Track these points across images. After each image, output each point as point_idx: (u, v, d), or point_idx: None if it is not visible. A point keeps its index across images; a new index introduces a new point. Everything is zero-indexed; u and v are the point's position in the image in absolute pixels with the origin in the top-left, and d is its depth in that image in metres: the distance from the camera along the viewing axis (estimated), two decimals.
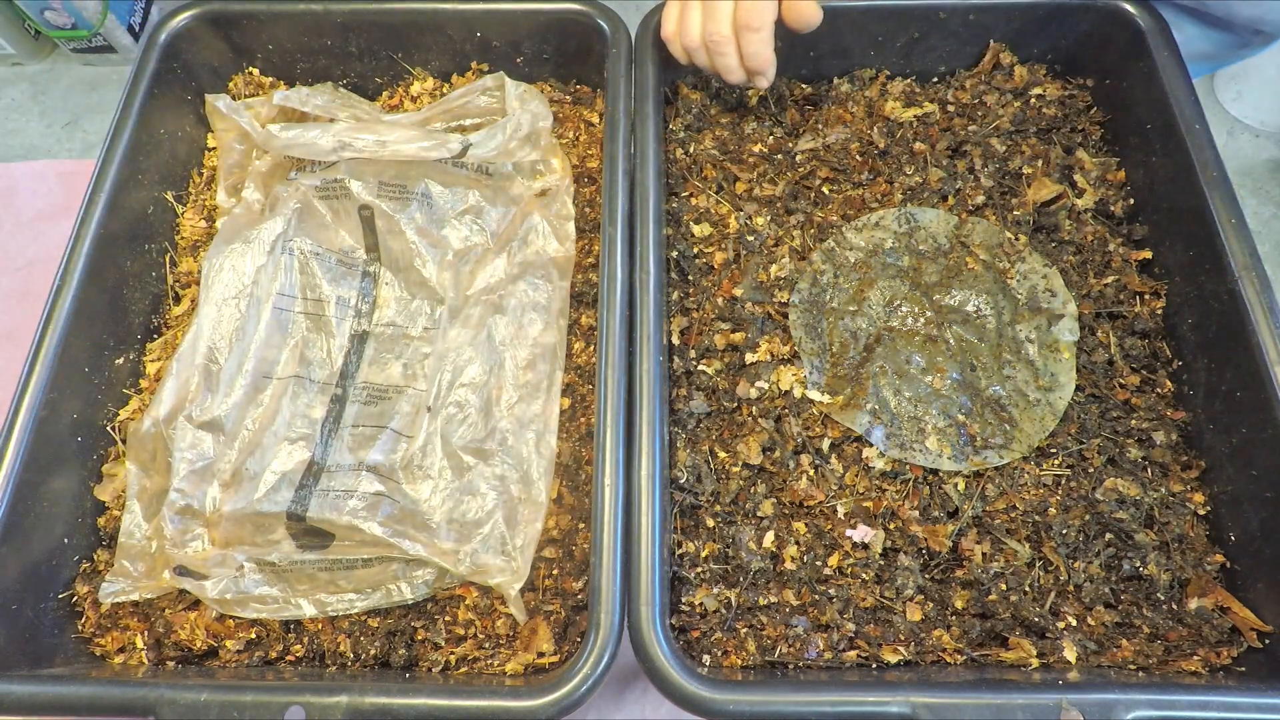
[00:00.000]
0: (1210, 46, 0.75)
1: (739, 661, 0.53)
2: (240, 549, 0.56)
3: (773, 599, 0.55)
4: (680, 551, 0.57)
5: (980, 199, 0.67)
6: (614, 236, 0.61)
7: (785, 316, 0.64)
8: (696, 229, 0.68)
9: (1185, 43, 0.72)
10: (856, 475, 0.58)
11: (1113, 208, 0.67)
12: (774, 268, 0.65)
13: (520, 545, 0.56)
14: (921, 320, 0.63)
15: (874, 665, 0.53)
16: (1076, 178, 0.68)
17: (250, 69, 0.76)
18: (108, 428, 0.62)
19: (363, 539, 0.56)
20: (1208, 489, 0.59)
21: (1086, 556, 0.56)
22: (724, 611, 0.55)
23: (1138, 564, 0.55)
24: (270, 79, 0.77)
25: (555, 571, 0.57)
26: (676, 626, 0.54)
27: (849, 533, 0.56)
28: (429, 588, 0.56)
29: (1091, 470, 0.58)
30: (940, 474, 0.58)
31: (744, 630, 0.54)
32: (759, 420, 0.60)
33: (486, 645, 0.55)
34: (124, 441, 0.61)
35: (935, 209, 0.67)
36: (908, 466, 0.58)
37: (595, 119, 0.75)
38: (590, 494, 0.57)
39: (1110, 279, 0.65)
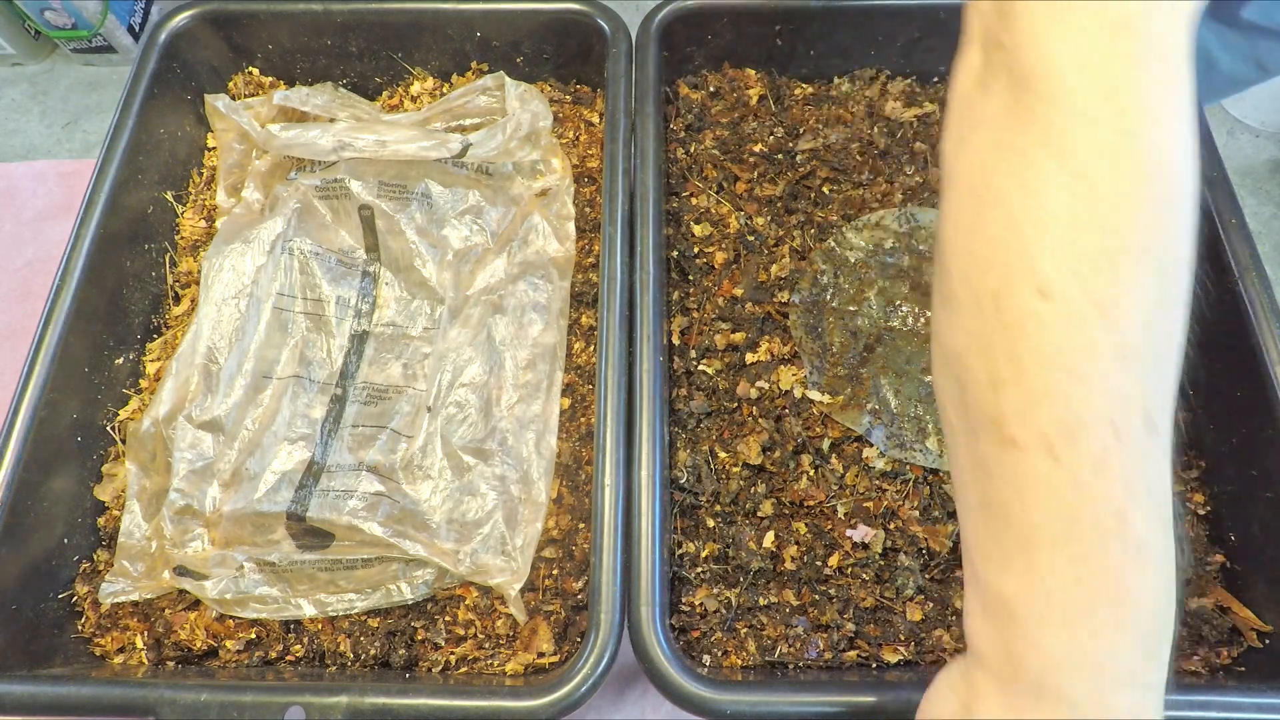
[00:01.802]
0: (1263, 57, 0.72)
1: (739, 661, 0.53)
2: (240, 549, 0.56)
3: (773, 599, 0.55)
4: (680, 551, 0.57)
5: None
6: (614, 236, 0.61)
7: (785, 316, 0.64)
8: (697, 229, 0.68)
9: (1231, 61, 0.69)
10: (857, 475, 0.58)
11: None
12: (774, 268, 0.65)
13: (520, 545, 0.56)
14: (922, 320, 0.63)
15: (874, 665, 0.53)
16: None
17: (250, 69, 0.76)
18: (108, 428, 0.62)
19: (363, 539, 0.56)
20: (1208, 489, 0.59)
21: None
22: (724, 611, 0.55)
23: None
24: (270, 79, 0.77)
25: (555, 571, 0.57)
26: (676, 626, 0.54)
27: (849, 533, 0.56)
28: (429, 588, 0.56)
29: None
30: (940, 474, 0.58)
31: (744, 630, 0.54)
32: (759, 420, 0.60)
33: (486, 645, 0.55)
34: (124, 441, 0.61)
35: (936, 209, 0.67)
36: (908, 466, 0.58)
37: (595, 119, 0.75)
38: (590, 494, 0.57)
39: None
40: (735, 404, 0.61)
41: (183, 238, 0.71)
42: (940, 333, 0.34)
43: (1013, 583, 0.31)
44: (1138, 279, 0.29)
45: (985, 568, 0.33)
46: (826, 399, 0.60)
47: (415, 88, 0.77)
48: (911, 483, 0.58)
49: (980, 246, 0.31)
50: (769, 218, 0.68)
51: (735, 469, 0.59)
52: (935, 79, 0.75)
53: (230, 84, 0.76)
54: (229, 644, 0.55)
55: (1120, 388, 0.29)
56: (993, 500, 0.32)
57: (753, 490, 0.58)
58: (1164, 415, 0.31)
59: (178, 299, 0.69)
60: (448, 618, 0.56)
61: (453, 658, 0.55)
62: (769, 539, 0.56)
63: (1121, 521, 0.30)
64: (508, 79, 0.69)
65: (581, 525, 0.58)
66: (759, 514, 0.57)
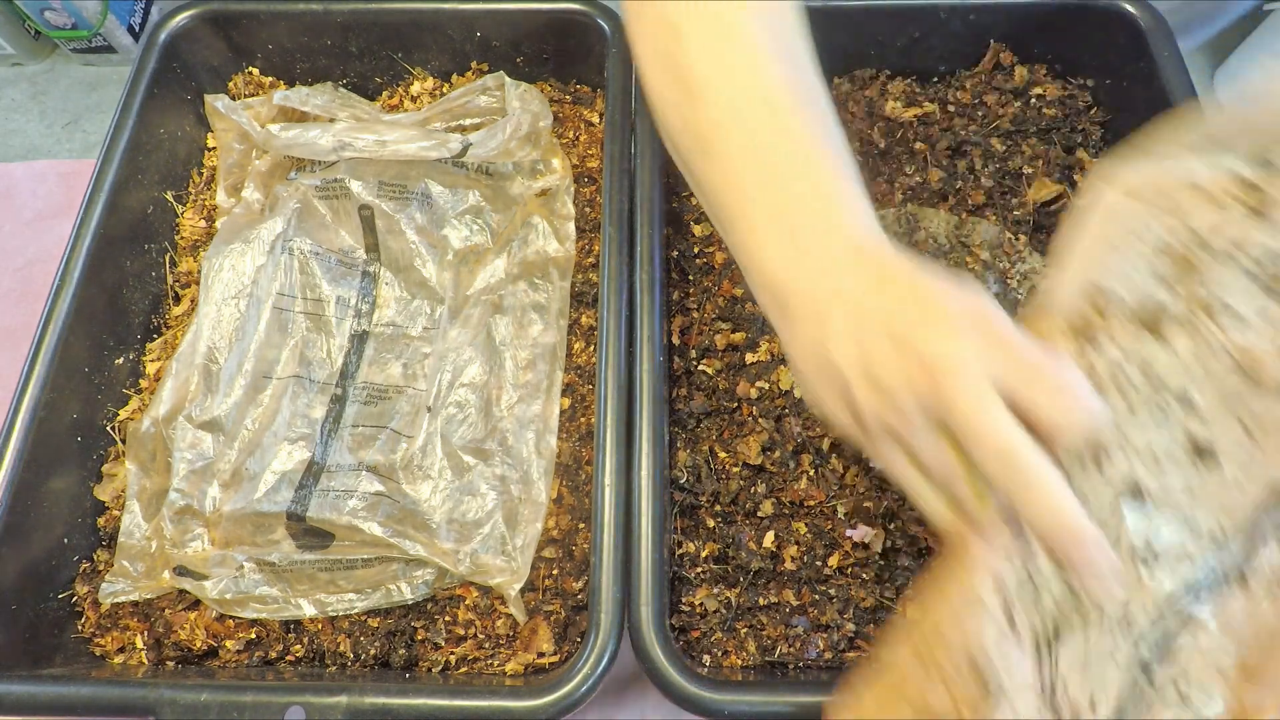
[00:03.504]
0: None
1: (739, 662, 0.53)
2: (240, 549, 0.56)
3: (773, 599, 0.55)
4: (680, 551, 0.57)
5: (980, 199, 0.67)
6: (614, 236, 0.61)
7: None
8: (697, 229, 0.68)
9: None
10: (856, 475, 0.58)
11: None
12: None
13: (520, 545, 0.56)
14: None
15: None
16: (1077, 178, 0.68)
17: (250, 69, 0.76)
18: (108, 428, 0.62)
19: (363, 539, 0.56)
20: None
21: None
22: (724, 611, 0.55)
23: None
24: (270, 79, 0.77)
25: (555, 571, 0.57)
26: (676, 627, 0.54)
27: (849, 533, 0.56)
28: (429, 588, 0.56)
29: None
30: None
31: (744, 630, 0.54)
32: (759, 420, 0.60)
33: (486, 645, 0.55)
34: (124, 441, 0.61)
35: (935, 209, 0.67)
36: None
37: (595, 119, 0.75)
38: (590, 494, 0.57)
39: None
40: (735, 404, 0.61)
41: (183, 238, 0.71)
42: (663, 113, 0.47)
43: (725, 199, 0.42)
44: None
45: (722, 226, 0.44)
46: None
47: (415, 88, 0.77)
48: None
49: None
50: None
51: (735, 469, 0.59)
52: (935, 79, 0.75)
53: (230, 84, 0.76)
54: (229, 644, 0.55)
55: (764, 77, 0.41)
56: (705, 173, 0.43)
57: (753, 490, 0.58)
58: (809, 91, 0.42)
59: (178, 299, 0.69)
60: (448, 618, 0.56)
61: (453, 658, 0.55)
62: (769, 539, 0.56)
63: (774, 115, 0.40)
64: (508, 79, 0.69)
65: (581, 525, 0.58)
66: (759, 514, 0.57)
